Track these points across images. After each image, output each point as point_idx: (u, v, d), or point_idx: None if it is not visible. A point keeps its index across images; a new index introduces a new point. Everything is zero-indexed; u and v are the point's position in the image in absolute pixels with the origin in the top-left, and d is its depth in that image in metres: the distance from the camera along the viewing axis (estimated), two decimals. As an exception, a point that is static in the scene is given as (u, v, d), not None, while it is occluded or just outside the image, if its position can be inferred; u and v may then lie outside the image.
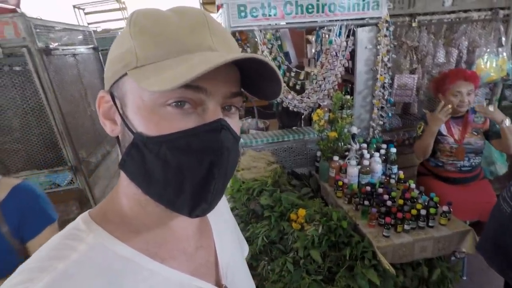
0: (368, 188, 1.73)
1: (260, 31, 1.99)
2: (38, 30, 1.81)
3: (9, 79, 1.76)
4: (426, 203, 1.60)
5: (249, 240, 1.72)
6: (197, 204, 0.40)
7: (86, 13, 5.87)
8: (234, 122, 0.43)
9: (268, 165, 2.08)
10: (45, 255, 0.38)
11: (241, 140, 2.24)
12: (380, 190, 1.72)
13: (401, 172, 1.94)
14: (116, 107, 0.41)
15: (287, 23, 2.07)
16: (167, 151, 0.38)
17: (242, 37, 2.08)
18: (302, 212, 1.56)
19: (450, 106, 1.89)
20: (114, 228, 0.43)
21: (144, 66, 0.37)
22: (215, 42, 0.39)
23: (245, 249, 0.72)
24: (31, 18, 1.74)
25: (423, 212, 1.51)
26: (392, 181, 1.87)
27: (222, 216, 0.61)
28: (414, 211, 1.51)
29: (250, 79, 0.43)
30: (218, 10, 2.17)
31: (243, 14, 1.91)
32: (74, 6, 5.58)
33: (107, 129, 0.43)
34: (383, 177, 1.91)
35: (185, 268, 0.47)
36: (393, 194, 1.68)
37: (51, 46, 1.90)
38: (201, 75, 0.33)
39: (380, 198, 1.64)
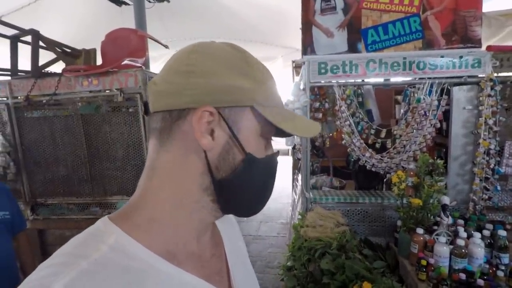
0: (463, 276, 1.36)
1: (340, 86, 1.98)
2: (151, 81, 2.21)
3: (122, 118, 2.16)
4: (555, 315, 1.15)
5: (303, 309, 1.51)
6: (263, 205, 0.54)
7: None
8: None
9: (336, 226, 1.87)
10: (71, 252, 0.41)
11: (310, 195, 2.12)
12: (481, 282, 1.32)
13: (515, 265, 1.48)
14: (228, 126, 0.46)
15: (369, 81, 2.02)
16: (264, 168, 0.51)
17: (321, 92, 2.10)
18: (367, 286, 1.30)
19: None
20: (136, 231, 0.45)
21: (269, 107, 0.49)
22: None
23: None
24: (148, 71, 2.17)
25: (549, 326, 1.08)
26: (500, 273, 1.42)
27: (232, 228, 0.65)
28: (533, 322, 1.09)
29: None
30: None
31: (323, 71, 1.97)
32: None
33: (203, 141, 0.44)
34: (487, 266, 1.48)
35: (200, 273, 0.49)
36: (500, 290, 1.27)
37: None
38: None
39: (480, 293, 1.26)
